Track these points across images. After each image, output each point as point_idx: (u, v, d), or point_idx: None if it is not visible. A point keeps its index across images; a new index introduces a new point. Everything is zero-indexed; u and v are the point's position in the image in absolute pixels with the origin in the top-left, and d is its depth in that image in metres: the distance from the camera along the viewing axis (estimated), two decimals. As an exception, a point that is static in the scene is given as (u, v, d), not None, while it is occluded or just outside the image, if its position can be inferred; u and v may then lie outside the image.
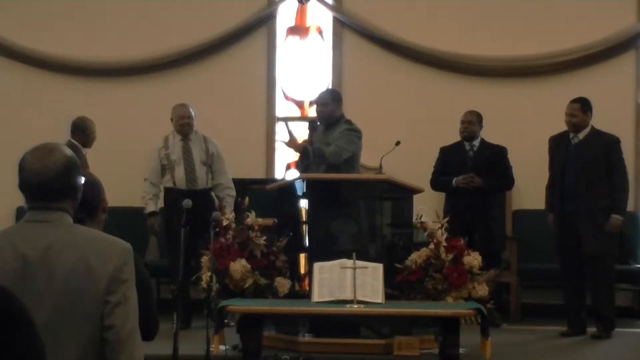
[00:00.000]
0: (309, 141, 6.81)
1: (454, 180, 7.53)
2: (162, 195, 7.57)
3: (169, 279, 7.45)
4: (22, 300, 2.42)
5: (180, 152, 7.44)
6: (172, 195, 7.28)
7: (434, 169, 7.77)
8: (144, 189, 7.51)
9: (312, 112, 8.91)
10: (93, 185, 2.91)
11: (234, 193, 7.51)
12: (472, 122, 7.67)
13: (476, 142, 7.71)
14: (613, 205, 6.97)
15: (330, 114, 6.82)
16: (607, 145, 7.09)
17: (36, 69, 8.92)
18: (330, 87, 8.66)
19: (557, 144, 7.24)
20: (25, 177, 2.56)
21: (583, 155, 7.06)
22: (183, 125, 7.44)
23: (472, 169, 7.55)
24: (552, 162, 7.27)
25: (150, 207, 7.47)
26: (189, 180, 7.40)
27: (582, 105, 7.13)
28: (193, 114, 7.48)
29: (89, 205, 2.84)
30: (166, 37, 8.81)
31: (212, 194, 7.51)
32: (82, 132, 7.66)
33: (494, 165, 7.61)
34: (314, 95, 7.18)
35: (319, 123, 6.92)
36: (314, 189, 6.46)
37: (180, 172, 7.40)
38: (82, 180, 2.65)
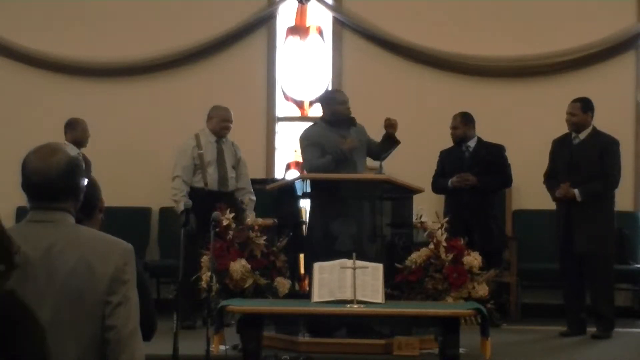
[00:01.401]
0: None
1: (450, 181, 7.55)
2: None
3: (169, 279, 7.43)
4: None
5: (215, 153, 7.41)
6: (202, 196, 7.21)
7: (435, 172, 7.78)
8: (176, 186, 7.29)
9: (312, 112, 8.92)
10: (91, 186, 2.91)
11: (254, 197, 7.51)
12: (456, 127, 7.67)
13: (471, 143, 7.70)
14: (589, 186, 6.94)
15: None
16: (605, 145, 7.09)
17: (36, 69, 8.91)
18: (330, 87, 8.68)
19: (560, 145, 7.24)
20: (28, 176, 2.56)
21: (582, 155, 7.07)
22: (224, 128, 7.46)
23: (470, 169, 7.55)
24: (551, 163, 7.27)
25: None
26: (221, 182, 7.36)
27: (583, 105, 7.13)
28: None
29: (87, 205, 2.84)
30: (166, 37, 8.80)
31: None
32: (73, 129, 7.70)
33: (491, 163, 7.60)
34: (324, 95, 7.16)
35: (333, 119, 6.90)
36: (313, 189, 6.46)
37: (213, 173, 7.34)
38: (86, 181, 2.65)
